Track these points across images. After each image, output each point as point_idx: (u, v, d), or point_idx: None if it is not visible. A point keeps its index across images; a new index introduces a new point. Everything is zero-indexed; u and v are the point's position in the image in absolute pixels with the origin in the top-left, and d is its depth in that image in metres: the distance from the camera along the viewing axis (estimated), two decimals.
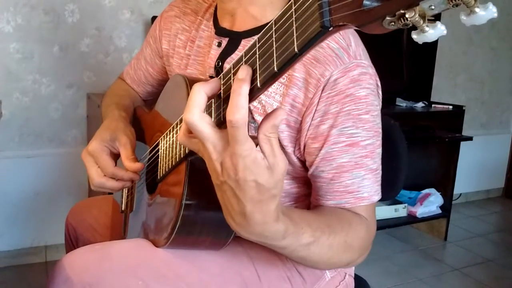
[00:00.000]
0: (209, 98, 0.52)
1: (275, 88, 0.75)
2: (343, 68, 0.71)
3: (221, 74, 0.54)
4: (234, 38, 0.82)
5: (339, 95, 0.71)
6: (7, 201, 1.96)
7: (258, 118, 0.77)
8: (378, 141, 0.76)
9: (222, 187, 0.53)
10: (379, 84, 0.77)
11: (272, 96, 0.75)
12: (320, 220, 0.67)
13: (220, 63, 0.82)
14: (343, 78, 0.71)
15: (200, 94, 0.50)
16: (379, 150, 0.76)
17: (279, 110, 0.49)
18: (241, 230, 0.56)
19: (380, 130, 0.77)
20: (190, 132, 0.54)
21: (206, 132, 0.50)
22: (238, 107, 0.46)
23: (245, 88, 0.47)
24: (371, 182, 0.74)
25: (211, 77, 0.83)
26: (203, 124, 0.50)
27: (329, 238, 0.65)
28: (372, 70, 0.74)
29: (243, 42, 0.81)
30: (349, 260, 0.71)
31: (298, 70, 0.73)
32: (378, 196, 0.76)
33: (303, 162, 0.79)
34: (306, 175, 0.79)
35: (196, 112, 0.50)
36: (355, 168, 0.73)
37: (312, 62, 0.72)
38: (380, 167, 0.77)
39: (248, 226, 0.54)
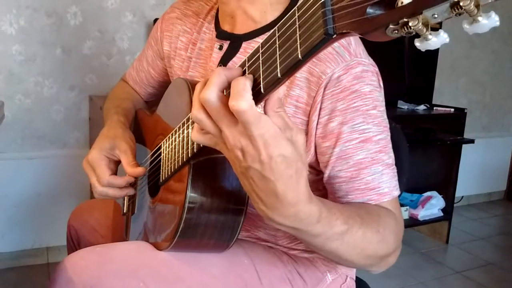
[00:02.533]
0: (228, 87, 0.50)
1: None
2: (345, 66, 0.71)
3: None
4: (235, 41, 0.83)
5: (344, 91, 0.71)
6: (9, 202, 1.96)
7: None
8: (389, 137, 0.75)
9: (247, 173, 0.50)
10: (382, 84, 0.77)
11: None
12: (351, 210, 0.65)
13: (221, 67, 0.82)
14: (346, 75, 0.71)
15: (220, 76, 0.48)
16: (391, 145, 0.75)
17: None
18: (275, 214, 0.53)
19: (388, 126, 0.76)
20: (202, 129, 0.53)
21: (221, 112, 0.48)
22: (240, 93, 0.45)
23: (245, 79, 0.46)
24: (390, 177, 0.73)
25: None
26: (220, 104, 0.48)
27: (361, 227, 0.62)
28: (373, 68, 0.74)
29: (244, 45, 0.81)
30: (384, 253, 0.67)
31: (299, 71, 0.73)
32: (397, 191, 0.74)
33: (312, 166, 0.78)
34: (315, 179, 0.78)
35: (214, 90, 0.48)
36: (372, 164, 0.72)
37: (313, 61, 0.72)
38: (394, 162, 0.75)
39: (281, 207, 0.51)
